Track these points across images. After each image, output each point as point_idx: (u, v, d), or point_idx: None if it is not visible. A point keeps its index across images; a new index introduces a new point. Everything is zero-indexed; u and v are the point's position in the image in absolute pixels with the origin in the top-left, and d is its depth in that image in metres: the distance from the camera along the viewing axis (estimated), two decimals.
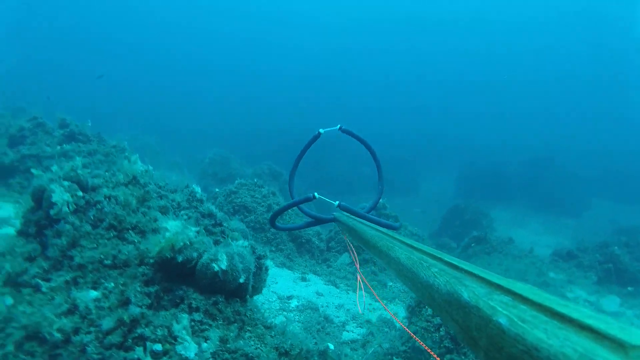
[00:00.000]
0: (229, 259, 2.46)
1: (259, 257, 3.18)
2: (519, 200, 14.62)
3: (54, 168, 2.75)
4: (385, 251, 1.04)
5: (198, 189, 3.61)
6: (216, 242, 3.42)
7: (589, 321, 0.43)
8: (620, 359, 0.39)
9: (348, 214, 1.83)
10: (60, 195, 2.60)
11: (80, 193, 2.70)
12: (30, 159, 5.53)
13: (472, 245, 7.10)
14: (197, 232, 2.70)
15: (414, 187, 17.19)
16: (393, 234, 1.14)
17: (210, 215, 3.51)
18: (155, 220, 2.84)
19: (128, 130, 17.29)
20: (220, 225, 3.62)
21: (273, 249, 5.74)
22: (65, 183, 2.68)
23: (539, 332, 0.45)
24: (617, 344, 0.40)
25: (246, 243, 2.83)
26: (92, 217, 2.72)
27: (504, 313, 0.52)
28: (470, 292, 0.62)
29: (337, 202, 1.90)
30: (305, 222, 2.51)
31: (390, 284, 5.61)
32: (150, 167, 3.63)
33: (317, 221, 2.37)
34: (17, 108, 13.23)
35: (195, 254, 2.44)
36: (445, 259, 0.79)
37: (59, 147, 5.73)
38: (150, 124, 22.64)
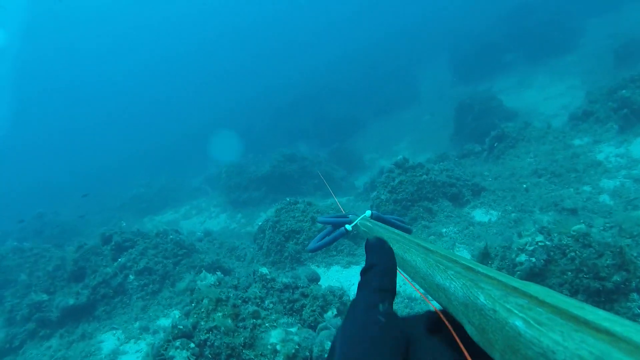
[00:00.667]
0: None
1: None
2: (516, 61, 14.25)
3: (161, 335, 3.23)
4: (400, 254, 1.05)
5: (264, 270, 4.02)
6: (303, 307, 3.88)
7: (606, 324, 0.43)
8: None
9: (375, 221, 1.79)
10: (180, 356, 3.09)
11: (192, 344, 3.18)
12: (101, 286, 6.09)
13: (495, 144, 7.19)
14: (298, 328, 3.15)
15: (415, 94, 16.93)
16: (409, 237, 1.15)
17: (286, 286, 3.95)
18: (257, 328, 3.30)
19: (140, 179, 17.86)
20: (296, 287, 4.06)
21: (334, 253, 6.24)
22: (177, 343, 3.16)
23: (555, 334, 0.45)
24: (633, 347, 0.41)
25: (334, 311, 3.27)
26: (210, 356, 3.22)
27: (520, 315, 0.54)
28: (486, 294, 0.63)
29: (369, 212, 1.89)
30: (331, 236, 2.07)
31: (444, 230, 6.04)
32: (219, 274, 4.06)
33: (333, 238, 2.08)
34: (37, 215, 13.85)
35: (307, 353, 2.91)
36: (461, 261, 0.79)
37: (115, 264, 6.30)
38: (151, 162, 23.01)
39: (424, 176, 6.65)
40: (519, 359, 0.50)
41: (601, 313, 0.46)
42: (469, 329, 0.65)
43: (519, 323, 0.52)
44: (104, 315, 5.82)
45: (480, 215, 6.23)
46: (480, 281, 0.66)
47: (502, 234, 5.32)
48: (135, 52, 58.52)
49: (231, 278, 3.98)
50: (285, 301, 3.75)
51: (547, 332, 0.47)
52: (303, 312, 3.62)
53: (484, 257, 4.10)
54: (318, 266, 6.01)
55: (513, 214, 5.82)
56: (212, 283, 3.76)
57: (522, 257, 3.58)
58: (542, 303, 0.53)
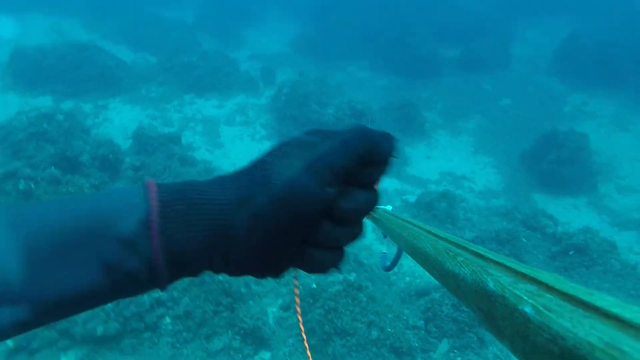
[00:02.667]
0: None
1: None
2: (629, 85, 12.12)
3: None
4: (410, 240, 1.06)
5: None
6: None
7: (615, 310, 0.43)
8: None
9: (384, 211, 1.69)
10: None
11: None
12: (134, 318, 5.25)
13: (571, 253, 6.27)
14: None
15: (506, 57, 14.53)
16: (418, 223, 1.12)
17: None
18: None
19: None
20: None
21: None
22: None
23: (565, 320, 0.46)
24: None
25: None
26: None
27: (530, 302, 0.53)
28: (495, 281, 0.62)
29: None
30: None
31: None
32: None
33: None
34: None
35: None
36: (470, 247, 0.78)
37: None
38: None
39: None
40: (528, 345, 0.50)
41: (610, 299, 0.45)
42: (479, 316, 0.65)
43: (528, 309, 0.50)
44: (128, 349, 5.17)
45: None
46: (489, 267, 0.66)
47: None
48: None
49: None
50: None
51: (557, 318, 0.45)
52: None
53: None
54: None
55: None
56: None
57: None
58: (551, 289, 0.52)
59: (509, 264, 0.64)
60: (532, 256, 5.51)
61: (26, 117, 5.65)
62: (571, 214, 7.48)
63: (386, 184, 7.69)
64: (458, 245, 0.79)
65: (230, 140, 7.91)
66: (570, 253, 5.32)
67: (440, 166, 8.82)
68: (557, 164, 8.04)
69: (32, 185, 4.89)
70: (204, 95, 9.03)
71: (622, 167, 8.78)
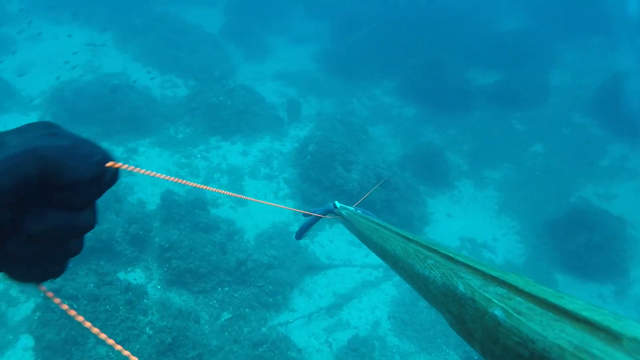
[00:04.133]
0: None
1: None
2: None
3: None
4: (380, 243, 1.06)
5: None
6: None
7: (585, 313, 0.45)
8: (616, 350, 0.41)
9: (347, 207, 1.92)
10: None
11: None
12: None
13: None
14: None
15: (542, 93, 13.71)
16: (388, 225, 1.18)
17: None
18: None
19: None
20: None
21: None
22: None
23: (535, 324, 0.47)
24: (613, 336, 0.42)
25: None
26: None
27: (500, 305, 0.54)
28: (465, 284, 0.64)
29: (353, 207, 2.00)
30: (311, 219, 2.19)
31: None
32: None
33: (319, 212, 2.18)
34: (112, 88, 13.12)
35: None
36: (441, 250, 0.81)
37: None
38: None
39: None
40: (499, 348, 0.52)
41: (580, 302, 0.48)
42: (449, 319, 0.67)
43: (498, 312, 0.53)
44: None
45: None
46: (459, 270, 0.68)
47: None
48: None
49: None
50: None
51: (527, 321, 0.48)
52: None
53: None
54: None
55: None
56: None
57: None
58: (521, 292, 0.54)
59: (479, 267, 0.66)
60: None
61: None
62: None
63: None
64: (428, 248, 0.85)
65: (253, 196, 8.11)
66: None
67: (462, 228, 8.86)
68: (586, 249, 7.90)
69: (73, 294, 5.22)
70: (229, 138, 9.19)
71: None
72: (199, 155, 8.68)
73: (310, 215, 2.11)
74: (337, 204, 1.99)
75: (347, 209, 1.93)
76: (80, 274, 5.47)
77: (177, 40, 12.07)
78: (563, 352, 0.43)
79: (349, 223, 1.72)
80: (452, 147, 11.52)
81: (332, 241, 7.72)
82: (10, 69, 10.77)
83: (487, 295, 0.58)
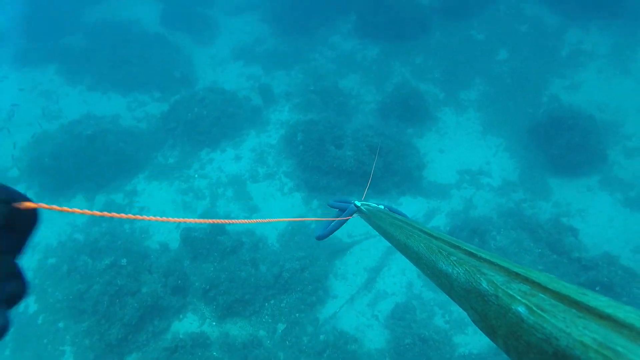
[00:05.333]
0: None
1: None
2: (623, 11, 10.98)
3: None
4: (403, 240, 1.05)
5: None
6: None
7: (608, 310, 0.44)
8: (639, 347, 0.40)
9: (368, 204, 1.88)
10: None
11: None
12: None
13: (597, 288, 5.98)
14: None
15: None
16: (412, 222, 1.17)
17: None
18: None
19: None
20: None
21: None
22: None
23: (558, 321, 0.46)
24: (637, 333, 0.41)
25: None
26: None
27: (523, 302, 0.53)
28: (488, 280, 0.62)
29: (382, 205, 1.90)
30: (335, 224, 2.10)
31: None
32: None
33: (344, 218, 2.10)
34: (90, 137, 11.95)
35: None
36: (464, 247, 0.80)
37: None
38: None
39: None
40: (522, 345, 0.51)
41: (603, 299, 0.46)
42: (472, 315, 0.66)
43: (521, 309, 0.52)
44: None
45: None
46: (482, 267, 0.67)
47: None
48: None
49: None
50: None
51: (550, 318, 0.47)
52: None
53: None
54: None
55: None
56: None
57: None
58: (544, 289, 0.53)
59: (502, 264, 0.66)
60: None
61: (99, 283, 5.99)
62: (587, 198, 7.98)
63: (415, 205, 8.12)
64: (451, 245, 0.84)
65: (262, 199, 8.18)
66: (597, 289, 6.00)
67: (456, 160, 9.03)
68: (568, 150, 8.20)
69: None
70: (218, 147, 9.02)
71: (628, 123, 8.92)
72: (196, 175, 8.58)
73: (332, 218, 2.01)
74: (358, 202, 1.90)
75: (368, 206, 1.86)
76: (140, 341, 5.77)
77: (124, 54, 11.27)
78: (587, 348, 0.42)
79: (370, 219, 1.66)
80: (424, 77, 11.33)
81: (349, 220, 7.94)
82: None
83: (510, 291, 0.57)
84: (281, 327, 6.34)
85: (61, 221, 7.98)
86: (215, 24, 14.10)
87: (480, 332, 0.63)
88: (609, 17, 11.25)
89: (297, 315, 6.43)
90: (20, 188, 5.87)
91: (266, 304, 6.57)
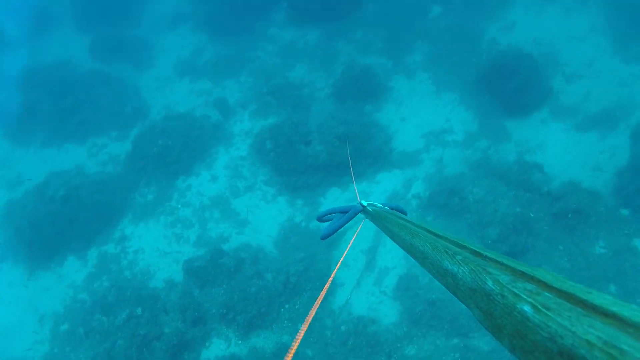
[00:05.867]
0: None
1: None
2: None
3: None
4: (409, 239, 1.07)
5: None
6: None
7: (614, 308, 0.44)
8: None
9: (375, 204, 1.91)
10: None
11: None
12: None
13: (570, 215, 6.50)
14: None
15: None
16: (417, 221, 1.17)
17: None
18: None
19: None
20: None
21: None
22: None
23: (563, 319, 0.46)
24: None
25: None
26: None
27: (528, 300, 0.53)
28: (494, 279, 0.63)
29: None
30: (343, 220, 2.11)
31: None
32: None
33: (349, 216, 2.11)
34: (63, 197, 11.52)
35: None
36: (470, 246, 0.80)
37: None
38: None
39: None
40: (527, 344, 0.51)
41: (609, 297, 0.47)
42: (477, 314, 0.67)
43: (527, 308, 0.52)
44: None
45: None
46: (488, 266, 0.68)
47: None
48: None
49: None
50: None
51: (555, 317, 0.47)
52: None
53: None
54: None
55: None
56: None
57: None
58: (550, 288, 0.54)
59: (507, 263, 0.69)
60: (542, 222, 6.87)
61: (122, 338, 6.16)
62: (542, 132, 8.58)
63: (392, 179, 8.53)
64: (457, 244, 0.87)
65: (247, 211, 8.42)
66: (569, 216, 6.64)
67: (419, 126, 9.43)
68: (516, 92, 8.72)
69: None
70: (192, 172, 9.10)
71: (562, 52, 9.49)
72: (179, 206, 8.69)
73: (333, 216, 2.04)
74: (364, 202, 1.91)
75: (374, 206, 1.88)
76: None
77: (69, 101, 10.99)
78: (592, 347, 0.42)
79: (376, 219, 1.68)
80: (368, 50, 11.55)
81: None
82: None
83: (515, 290, 0.58)
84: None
85: (59, 285, 8.01)
86: (149, 44, 13.77)
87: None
88: None
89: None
90: (7, 265, 5.91)
91: (282, 310, 6.93)
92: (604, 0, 10.06)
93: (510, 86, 8.84)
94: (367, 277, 7.32)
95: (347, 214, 1.96)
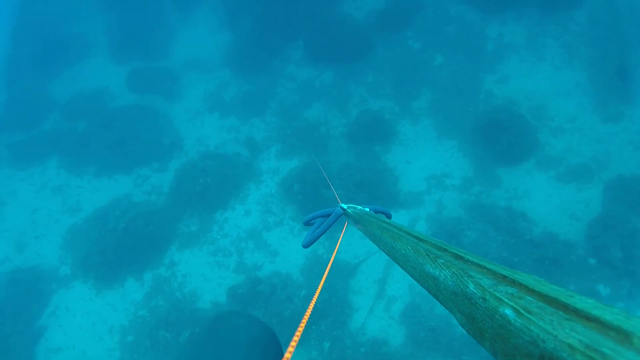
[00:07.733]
0: None
1: None
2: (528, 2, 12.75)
3: None
4: (390, 242, 1.05)
5: None
6: None
7: (595, 312, 0.44)
8: (626, 349, 0.40)
9: (354, 206, 1.87)
10: None
11: None
12: None
13: (546, 262, 7.56)
14: None
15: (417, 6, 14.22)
16: (399, 225, 1.17)
17: None
18: None
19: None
20: None
21: None
22: None
23: (545, 323, 0.46)
24: (623, 335, 0.41)
25: None
26: None
27: (510, 304, 0.54)
28: (476, 283, 0.63)
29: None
30: (322, 229, 2.12)
31: None
32: None
33: (331, 221, 2.12)
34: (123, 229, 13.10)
35: None
36: (451, 250, 0.81)
37: None
38: None
39: None
40: (509, 347, 0.51)
41: (590, 301, 0.47)
42: (459, 318, 0.67)
43: (508, 312, 0.52)
44: None
45: None
46: (469, 270, 0.68)
47: None
48: None
49: None
50: None
51: (537, 320, 0.47)
52: None
53: None
54: None
55: None
56: None
57: None
58: (531, 291, 0.54)
59: (489, 266, 0.70)
60: (524, 266, 8.44)
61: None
62: (529, 180, 10.08)
63: (399, 218, 10.06)
64: (439, 248, 0.89)
65: (279, 244, 9.93)
66: (546, 262, 8.22)
67: (422, 169, 10.91)
68: (509, 147, 10.21)
69: None
70: (228, 207, 10.61)
71: (550, 106, 10.92)
72: (218, 236, 10.21)
73: (315, 221, 2.11)
74: (344, 205, 1.94)
75: (354, 208, 1.89)
76: None
77: (116, 133, 12.45)
78: (573, 351, 0.42)
79: (357, 222, 1.67)
80: (378, 94, 12.99)
81: (350, 244, 9.85)
82: None
83: (497, 294, 0.57)
84: (326, 345, 8.31)
85: (122, 302, 9.55)
86: (177, 75, 15.18)
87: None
88: (520, 6, 13.09)
89: (335, 332, 8.39)
90: (78, 283, 7.57)
91: (310, 330, 8.49)
92: (587, 62, 11.53)
93: (503, 141, 10.32)
94: (378, 304, 8.88)
95: (329, 218, 1.99)
